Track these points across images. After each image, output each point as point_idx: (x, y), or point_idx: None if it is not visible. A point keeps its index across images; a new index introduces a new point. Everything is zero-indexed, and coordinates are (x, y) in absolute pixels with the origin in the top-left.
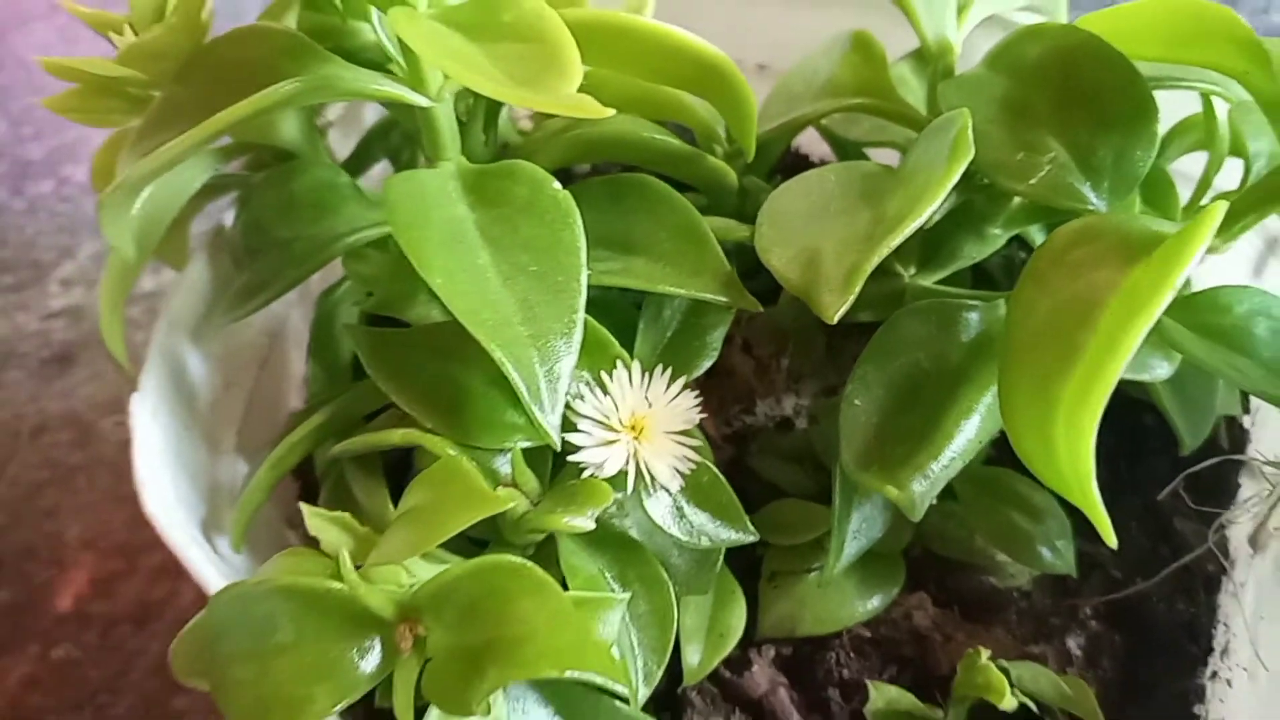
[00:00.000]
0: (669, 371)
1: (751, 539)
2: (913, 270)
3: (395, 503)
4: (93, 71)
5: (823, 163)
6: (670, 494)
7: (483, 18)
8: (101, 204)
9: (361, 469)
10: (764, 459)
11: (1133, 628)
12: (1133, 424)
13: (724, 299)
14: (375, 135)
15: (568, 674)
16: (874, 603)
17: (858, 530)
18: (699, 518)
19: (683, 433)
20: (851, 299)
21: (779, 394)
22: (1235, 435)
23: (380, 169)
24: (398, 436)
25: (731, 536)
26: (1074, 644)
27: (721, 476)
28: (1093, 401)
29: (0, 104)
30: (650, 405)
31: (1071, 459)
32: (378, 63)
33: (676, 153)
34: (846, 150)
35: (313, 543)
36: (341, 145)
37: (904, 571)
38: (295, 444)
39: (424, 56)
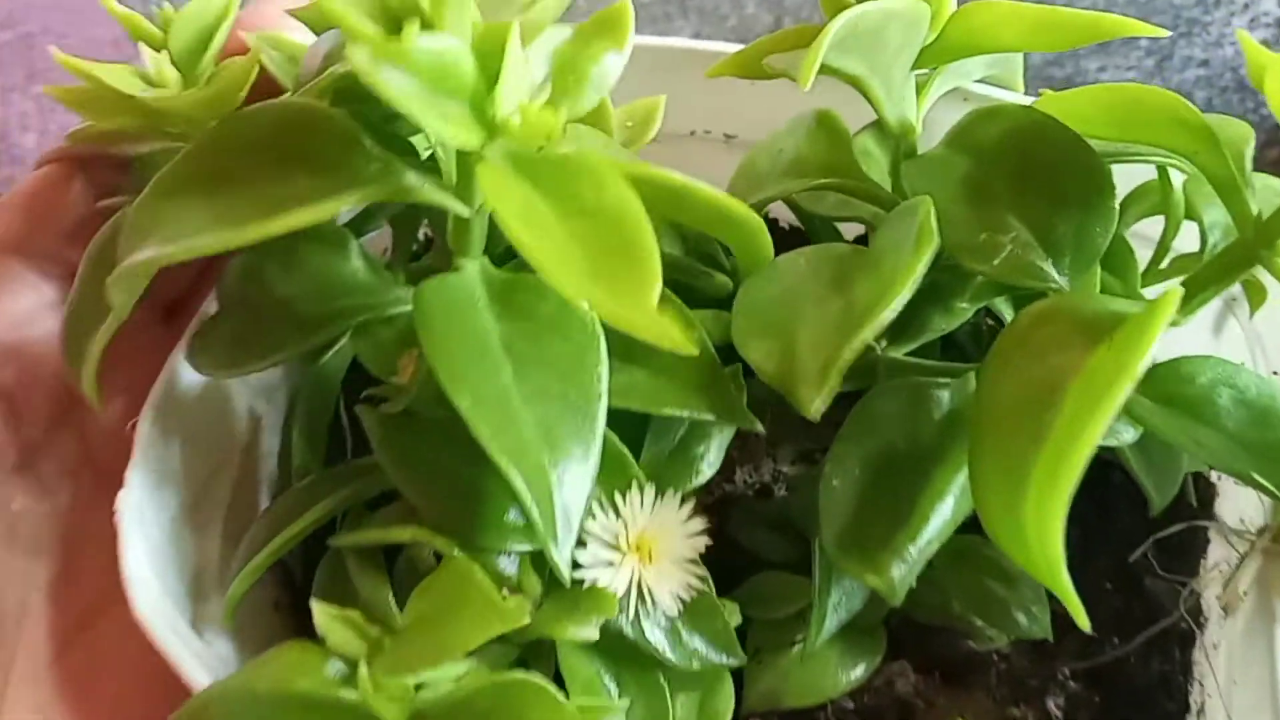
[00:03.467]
0: (681, 493)
1: (741, 663)
2: (884, 343)
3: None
4: (118, 88)
5: (791, 228)
6: (669, 618)
7: (563, 185)
8: (109, 285)
9: (364, 561)
10: (745, 528)
11: (1111, 687)
12: (1103, 482)
13: (722, 418)
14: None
15: None
16: (856, 672)
17: (838, 604)
18: (695, 642)
19: (691, 560)
20: (829, 393)
21: (758, 461)
22: (1204, 492)
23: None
24: (407, 534)
25: (724, 661)
26: (1053, 704)
27: (719, 603)
28: (1060, 486)
29: None
30: (659, 528)
31: (1041, 543)
32: (406, 142)
33: (688, 270)
34: (814, 224)
35: (302, 629)
36: None
37: (885, 640)
38: (295, 534)
39: (514, 232)
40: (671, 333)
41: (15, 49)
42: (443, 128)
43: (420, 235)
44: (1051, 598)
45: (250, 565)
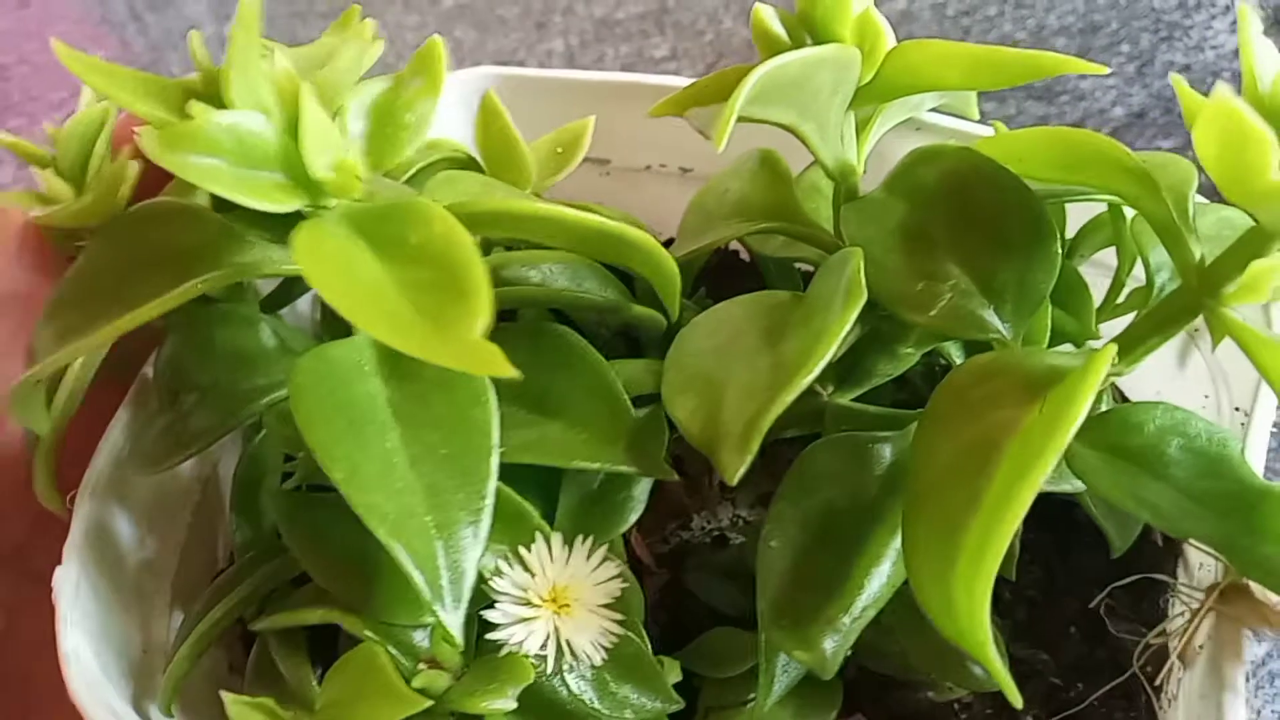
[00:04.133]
0: (590, 540)
1: (677, 708)
2: (831, 388)
3: (323, 670)
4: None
5: (749, 261)
6: (594, 667)
7: (391, 232)
8: (13, 396)
9: (285, 644)
10: (700, 578)
11: None
12: (1066, 522)
13: (635, 469)
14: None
15: None
16: None
17: (786, 664)
18: (623, 690)
19: (606, 605)
20: (750, 458)
21: (713, 508)
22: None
23: (312, 295)
24: (316, 616)
25: (657, 707)
26: None
27: (646, 646)
28: (990, 556)
29: None
30: (571, 577)
31: (969, 616)
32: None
33: (602, 305)
34: (764, 261)
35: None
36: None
37: (840, 694)
38: (219, 619)
39: (328, 297)
40: (492, 358)
41: None
42: (257, 199)
43: None
44: (1012, 643)
45: (181, 651)
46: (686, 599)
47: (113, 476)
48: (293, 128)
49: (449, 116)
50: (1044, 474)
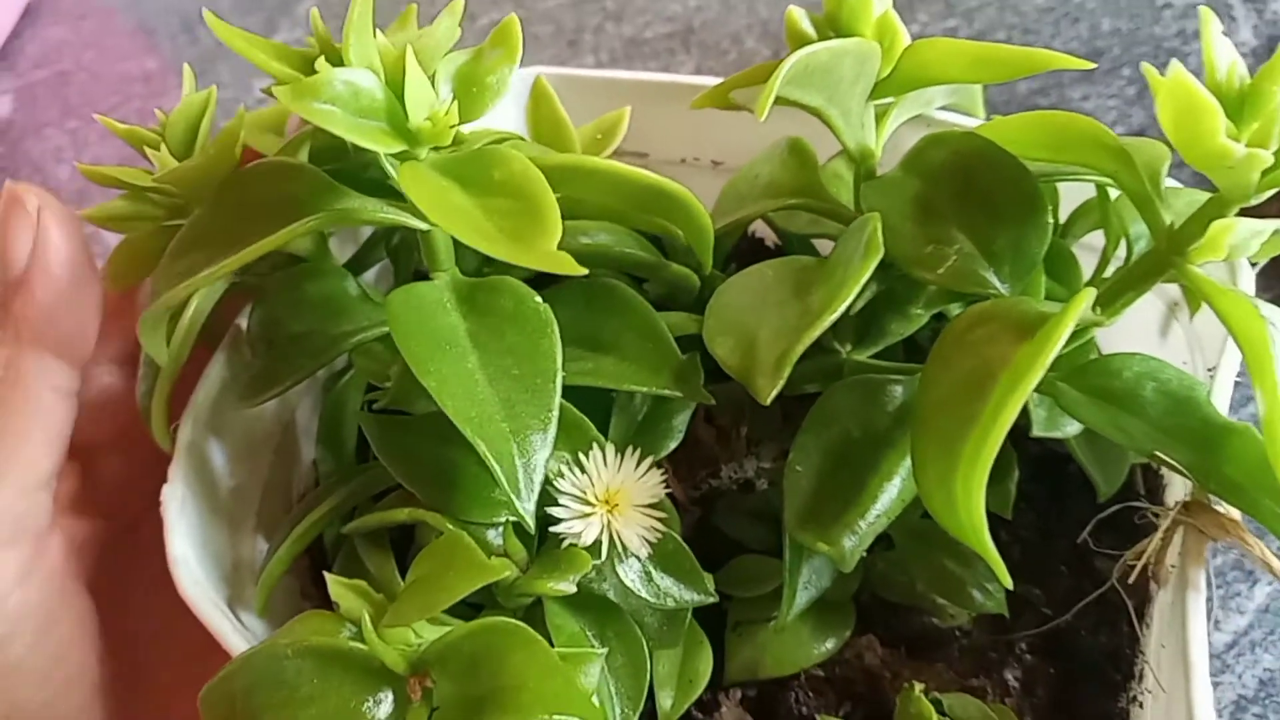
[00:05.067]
0: (638, 452)
1: (712, 600)
2: (849, 347)
3: (401, 573)
4: (132, 182)
5: (775, 245)
6: (640, 560)
7: (477, 172)
8: (142, 322)
9: (371, 543)
10: (728, 518)
11: (1063, 659)
12: (1058, 474)
13: (679, 394)
14: (375, 240)
15: (555, 718)
16: (828, 645)
17: (808, 581)
18: (665, 582)
19: (651, 506)
20: (781, 383)
21: (740, 459)
22: (1151, 482)
23: (378, 268)
24: (404, 514)
25: (694, 598)
26: (1011, 676)
27: (685, 545)
28: (983, 460)
29: None
30: (622, 482)
31: (968, 511)
32: (382, 184)
33: (643, 263)
34: (790, 239)
35: (325, 610)
36: (340, 248)
37: (854, 616)
38: (314, 522)
39: (427, 213)
40: (566, 262)
41: (50, 85)
42: (365, 139)
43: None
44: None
45: (278, 553)
46: (716, 535)
47: (210, 411)
48: (396, 85)
49: (503, 113)
50: (1026, 392)
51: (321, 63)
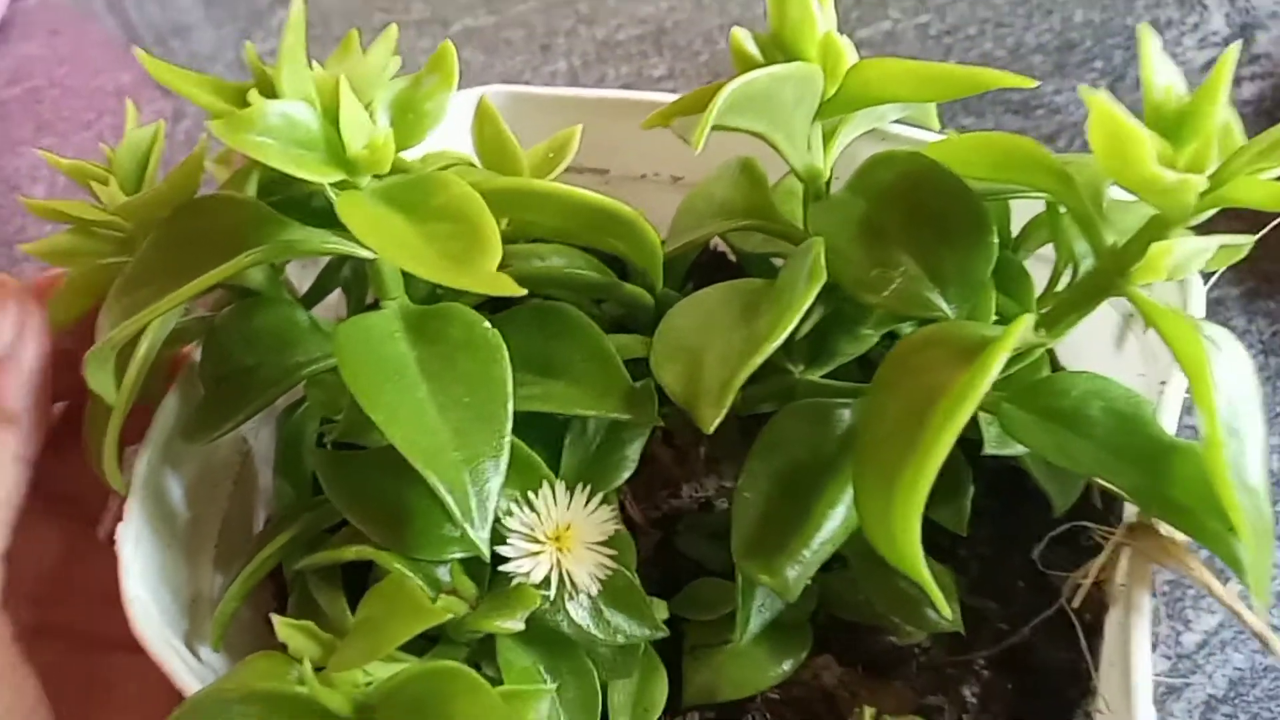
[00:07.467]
0: (589, 487)
1: (662, 635)
2: (801, 367)
3: (354, 608)
4: (79, 216)
5: (735, 260)
6: (590, 597)
7: (417, 198)
8: (88, 359)
9: (323, 580)
10: (688, 538)
11: (1021, 674)
12: (1016, 488)
13: (628, 416)
14: (329, 270)
15: None
16: (784, 667)
17: (761, 605)
18: (616, 618)
19: (601, 543)
20: (724, 411)
21: (700, 478)
22: (1107, 495)
23: (335, 297)
24: (351, 553)
25: (645, 633)
26: (968, 692)
27: (636, 581)
28: (919, 491)
29: None
30: (572, 519)
31: (905, 540)
32: (328, 213)
33: (596, 284)
34: (746, 258)
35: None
36: (299, 275)
37: (810, 637)
38: (266, 559)
39: (366, 241)
40: (505, 283)
41: (24, 103)
42: (303, 170)
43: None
44: (963, 594)
45: (231, 589)
46: (676, 557)
47: (166, 447)
48: (332, 115)
49: (456, 133)
50: (963, 420)
51: (254, 94)
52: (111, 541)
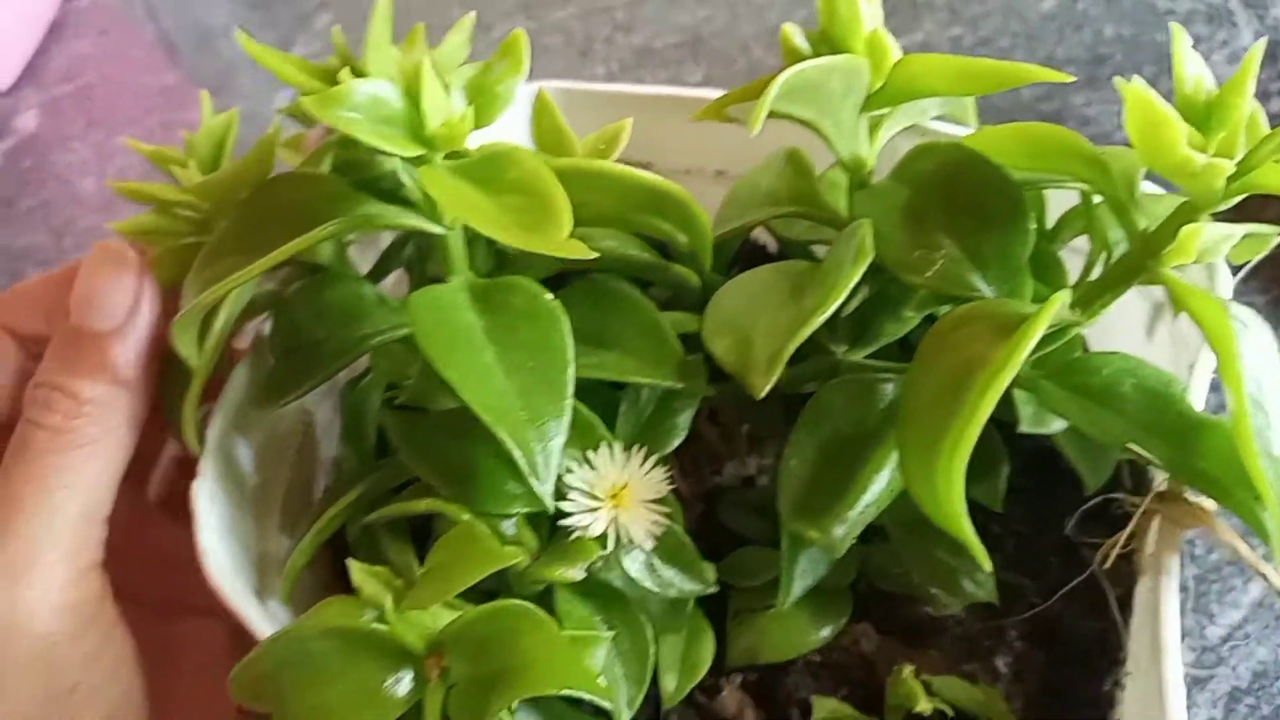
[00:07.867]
0: (644, 450)
1: (712, 590)
2: (845, 347)
3: (420, 561)
4: (161, 196)
5: (777, 251)
6: (644, 553)
7: (491, 173)
8: (175, 325)
9: (392, 533)
10: (731, 512)
11: (1052, 645)
12: (1050, 468)
13: (680, 385)
14: (393, 249)
15: (563, 693)
16: (824, 632)
17: (804, 571)
18: (668, 573)
19: (655, 501)
20: (774, 379)
21: (743, 456)
22: (1136, 473)
23: (395, 276)
24: (424, 505)
25: (696, 588)
26: (1001, 662)
27: (687, 538)
28: (961, 452)
29: (43, 217)
30: (628, 478)
31: (949, 500)
32: (399, 193)
33: (645, 264)
34: (789, 245)
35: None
36: (360, 257)
37: (850, 604)
38: (335, 515)
39: (448, 210)
40: (578, 248)
41: (75, 99)
42: (387, 144)
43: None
44: (998, 568)
45: (302, 543)
46: (719, 529)
47: (236, 412)
48: (413, 95)
49: (510, 128)
50: (1003, 387)
51: (345, 74)
52: (161, 503)
